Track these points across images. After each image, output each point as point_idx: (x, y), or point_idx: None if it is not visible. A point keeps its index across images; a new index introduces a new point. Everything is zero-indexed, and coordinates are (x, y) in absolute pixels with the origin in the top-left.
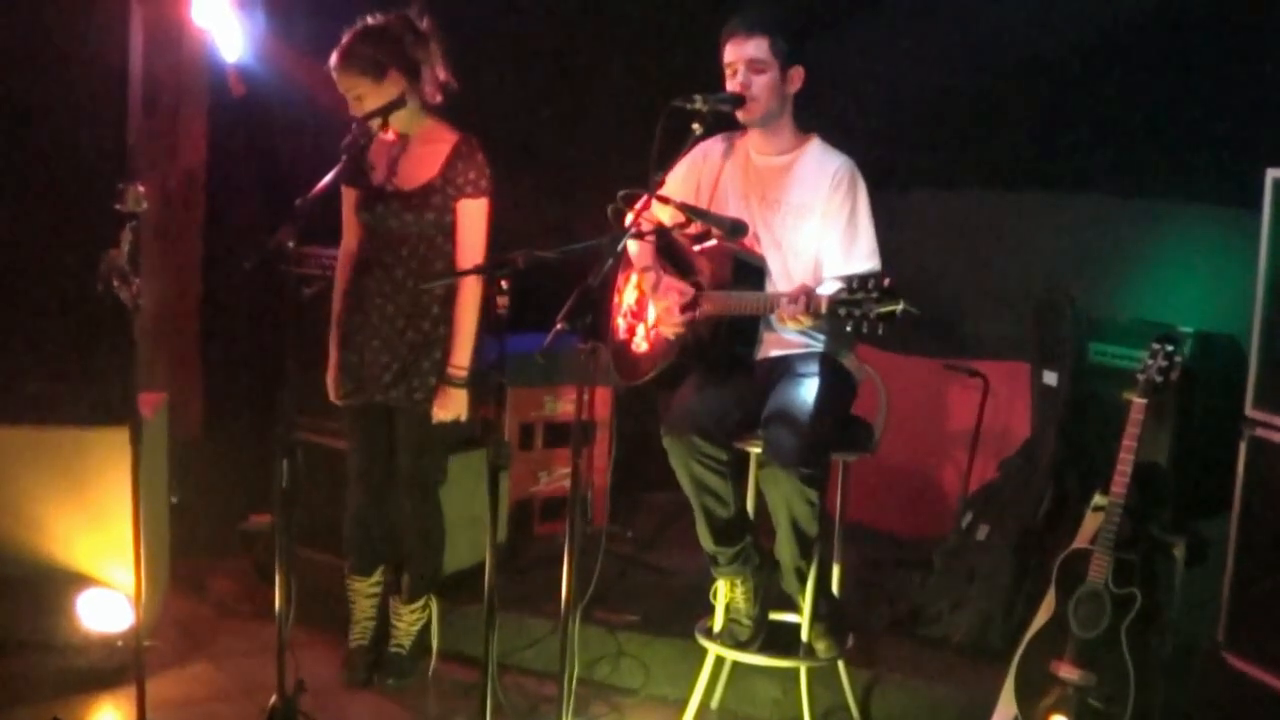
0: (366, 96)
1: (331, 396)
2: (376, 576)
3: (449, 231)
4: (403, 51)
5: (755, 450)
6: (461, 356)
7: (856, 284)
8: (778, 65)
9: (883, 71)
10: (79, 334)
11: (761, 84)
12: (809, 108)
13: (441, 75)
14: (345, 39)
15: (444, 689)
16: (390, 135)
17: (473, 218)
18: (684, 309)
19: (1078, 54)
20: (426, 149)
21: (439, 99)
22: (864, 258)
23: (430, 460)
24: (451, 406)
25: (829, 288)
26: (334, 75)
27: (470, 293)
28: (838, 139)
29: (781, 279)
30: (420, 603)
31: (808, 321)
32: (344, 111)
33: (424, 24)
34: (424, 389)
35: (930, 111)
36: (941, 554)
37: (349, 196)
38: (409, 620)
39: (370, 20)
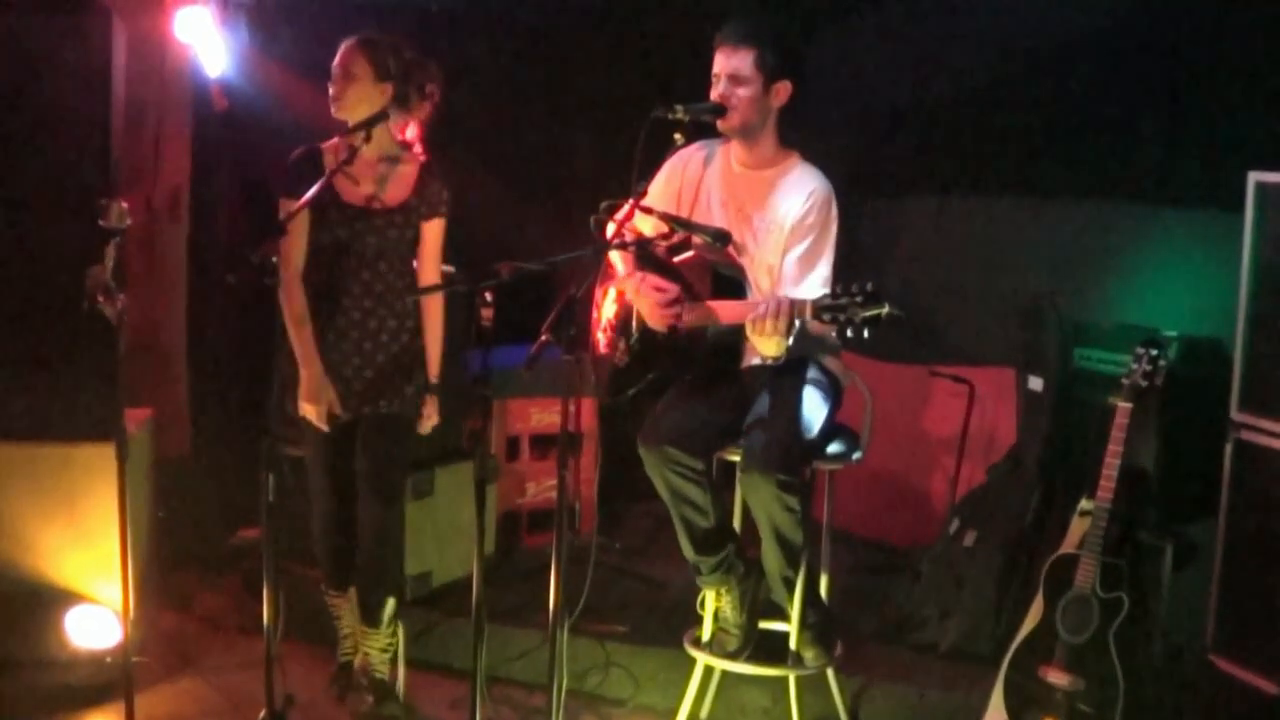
0: (356, 81)
1: (317, 419)
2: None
3: (415, 248)
4: (406, 80)
5: (737, 458)
6: (437, 366)
7: (840, 289)
8: (761, 79)
9: (866, 78)
10: (64, 350)
11: (741, 96)
12: (798, 113)
13: (414, 131)
14: (375, 35)
15: (432, 702)
16: (368, 153)
17: (437, 235)
18: (669, 303)
19: (1060, 59)
20: (398, 168)
21: (402, 139)
22: (817, 285)
23: (400, 470)
24: (435, 414)
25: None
26: (342, 48)
27: (440, 304)
28: (823, 146)
29: (754, 293)
30: (389, 629)
31: (782, 345)
32: (328, 125)
33: (432, 87)
34: (415, 397)
35: (915, 118)
36: (929, 560)
37: (303, 217)
38: (379, 645)
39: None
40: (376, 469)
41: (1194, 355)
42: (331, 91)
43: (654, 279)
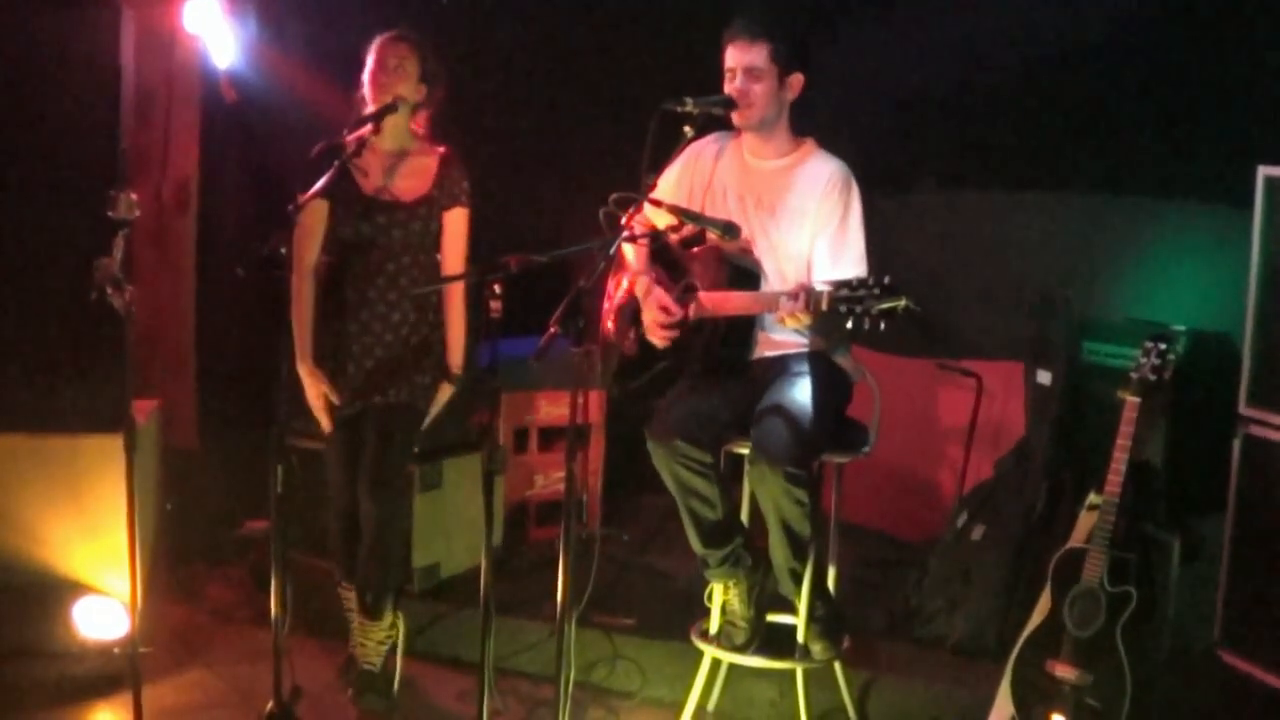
0: (406, 76)
1: (326, 426)
2: None
3: (438, 240)
4: (439, 82)
5: (745, 451)
6: (459, 356)
7: (857, 281)
8: (776, 72)
9: (876, 71)
10: (72, 342)
11: (758, 91)
12: (807, 106)
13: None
14: (421, 36)
15: (439, 694)
16: (384, 146)
17: (460, 226)
18: (668, 326)
19: (1070, 53)
20: (418, 161)
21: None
22: (852, 264)
23: (402, 459)
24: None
25: (822, 288)
26: (390, 40)
27: (461, 295)
28: (834, 138)
29: (776, 281)
30: (388, 620)
31: (806, 320)
32: (335, 117)
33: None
34: (429, 386)
35: (923, 112)
36: (937, 554)
37: (321, 210)
38: (377, 638)
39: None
40: (376, 456)
41: (1203, 350)
42: (381, 80)
43: (660, 294)
